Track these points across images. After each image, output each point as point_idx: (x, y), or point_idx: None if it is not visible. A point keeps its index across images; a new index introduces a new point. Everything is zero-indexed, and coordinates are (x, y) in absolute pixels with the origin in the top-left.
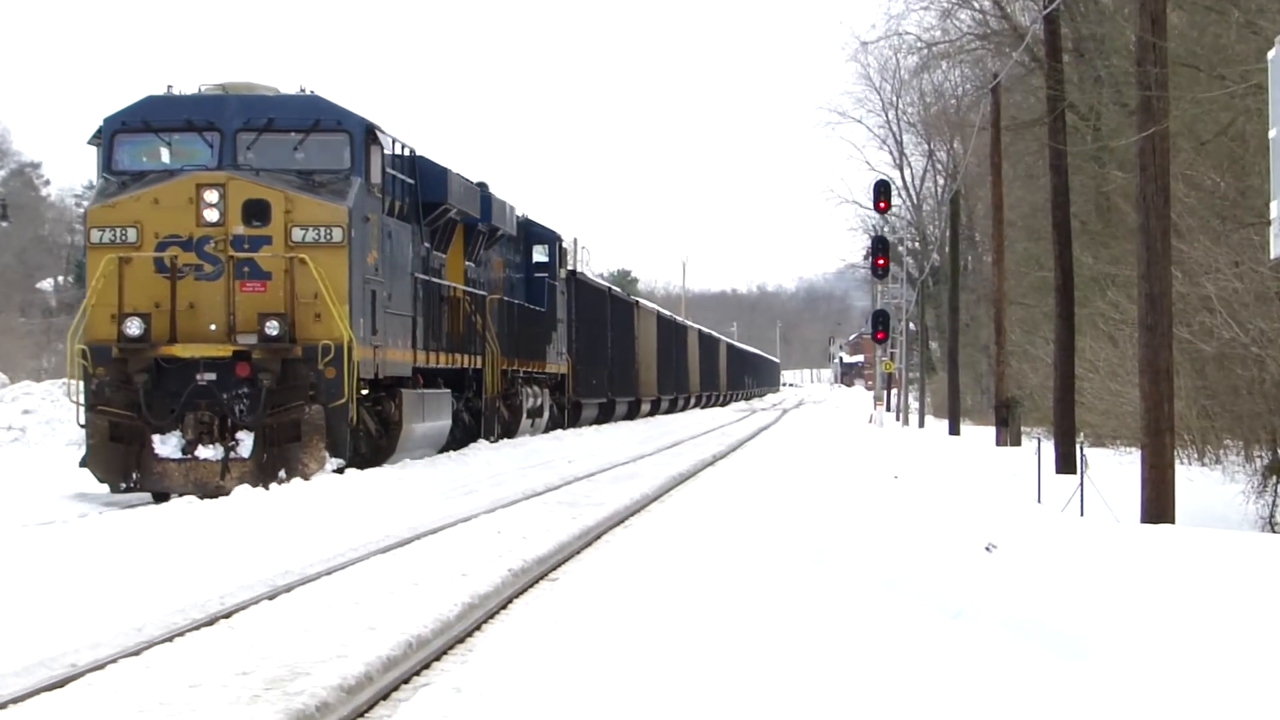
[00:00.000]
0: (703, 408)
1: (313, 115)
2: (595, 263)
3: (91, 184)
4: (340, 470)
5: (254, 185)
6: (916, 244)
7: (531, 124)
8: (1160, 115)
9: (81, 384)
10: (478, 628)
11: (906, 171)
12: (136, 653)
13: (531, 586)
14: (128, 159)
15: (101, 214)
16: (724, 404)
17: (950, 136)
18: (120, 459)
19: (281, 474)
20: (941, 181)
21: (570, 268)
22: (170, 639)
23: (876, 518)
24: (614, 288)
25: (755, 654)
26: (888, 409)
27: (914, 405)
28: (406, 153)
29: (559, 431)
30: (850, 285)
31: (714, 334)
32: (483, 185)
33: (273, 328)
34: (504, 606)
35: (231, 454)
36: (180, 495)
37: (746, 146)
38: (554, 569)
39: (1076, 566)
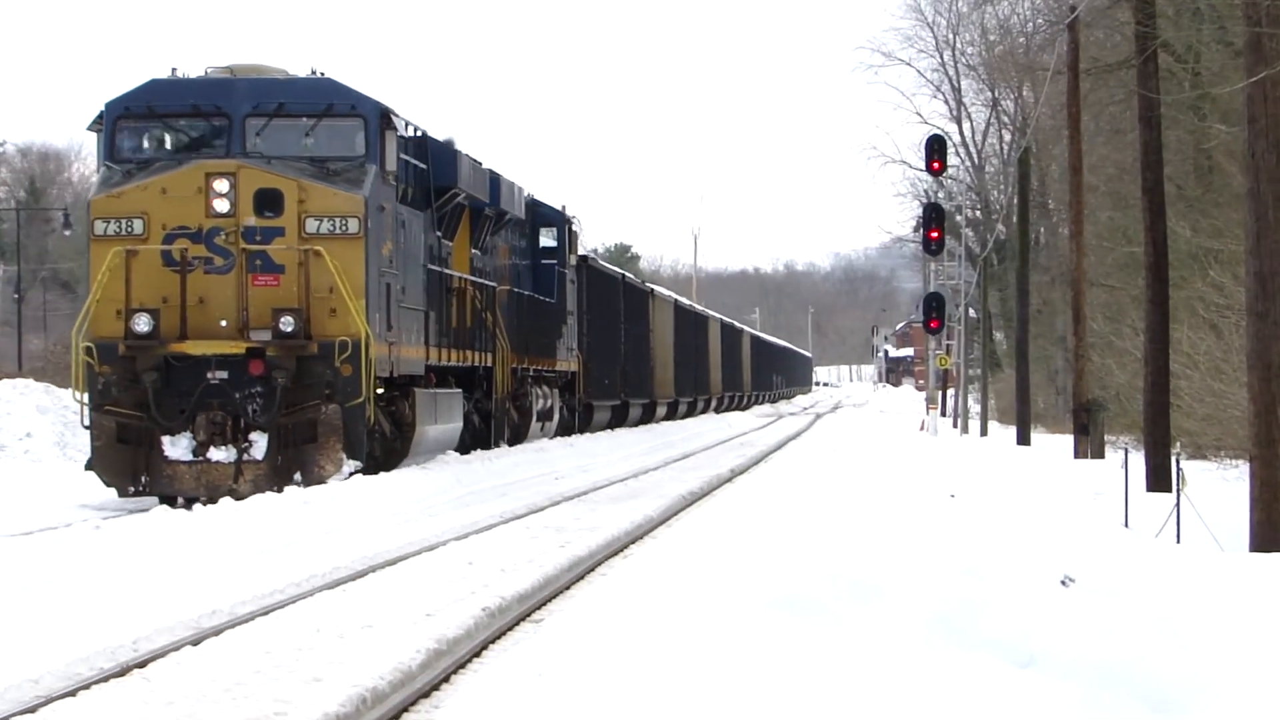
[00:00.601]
0: (722, 411)
1: (325, 99)
2: (586, 238)
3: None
4: (358, 473)
5: (266, 174)
6: (977, 213)
7: (504, 70)
8: (1273, 56)
9: (85, 383)
10: (446, 679)
11: (965, 125)
12: (33, 709)
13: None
14: (131, 146)
15: (106, 204)
16: (746, 407)
17: (1018, 82)
18: (128, 461)
19: (297, 476)
20: (1008, 137)
21: (580, 253)
22: (73, 692)
23: (929, 545)
24: (627, 274)
25: (782, 717)
26: (943, 414)
27: (974, 409)
28: (418, 135)
29: (570, 437)
30: (897, 263)
31: (737, 324)
32: (477, 164)
33: (287, 323)
34: (495, 642)
35: (245, 456)
36: (191, 499)
37: (769, 96)
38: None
39: (1172, 604)
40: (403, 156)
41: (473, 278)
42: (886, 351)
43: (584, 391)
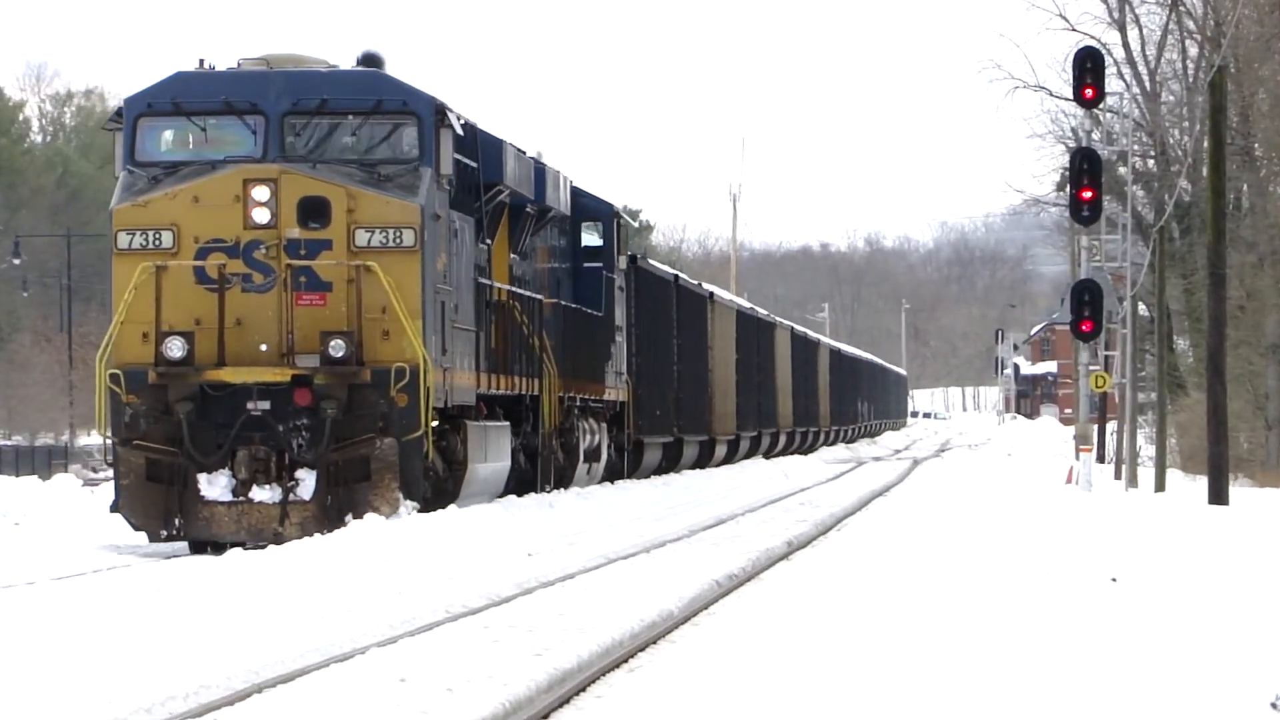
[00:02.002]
0: (794, 451)
1: (373, 94)
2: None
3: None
4: (416, 513)
5: (310, 180)
6: (1150, 163)
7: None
8: None
9: (110, 416)
10: None
11: (1132, 32)
12: None
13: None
14: (156, 148)
15: (131, 214)
16: (815, 445)
17: None
18: (160, 502)
19: (349, 518)
20: (1194, 51)
21: (630, 253)
22: None
23: (1077, 677)
24: (681, 275)
25: None
26: (1099, 458)
27: (1145, 451)
28: (468, 128)
29: (622, 483)
30: (1032, 237)
31: (811, 334)
32: (512, 151)
33: (337, 348)
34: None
35: (290, 496)
36: (231, 544)
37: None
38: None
39: None
40: (455, 156)
41: (516, 289)
42: (1016, 367)
43: (634, 425)
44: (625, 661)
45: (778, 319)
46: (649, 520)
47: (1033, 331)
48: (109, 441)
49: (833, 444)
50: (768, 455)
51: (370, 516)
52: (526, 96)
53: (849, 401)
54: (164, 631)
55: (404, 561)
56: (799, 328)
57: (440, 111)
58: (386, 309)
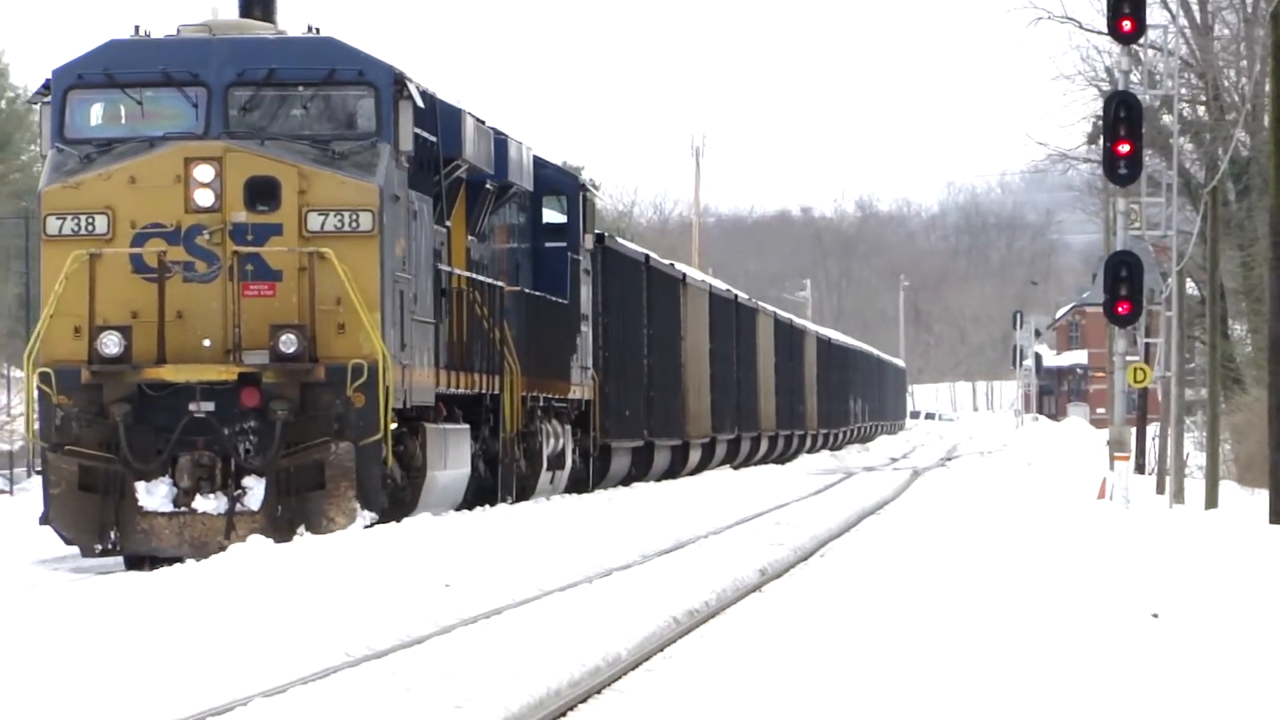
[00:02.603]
0: (767, 460)
1: (326, 63)
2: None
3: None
4: (375, 525)
5: (258, 158)
6: (1200, 110)
7: None
8: None
9: (38, 418)
10: None
11: None
12: None
13: None
14: (87, 124)
15: (61, 197)
16: (799, 451)
17: None
18: (94, 513)
19: (301, 530)
20: None
21: (598, 231)
22: None
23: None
24: (652, 255)
25: None
26: (1138, 468)
27: (1193, 459)
28: (428, 98)
29: (587, 497)
30: (1057, 200)
31: (797, 321)
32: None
33: (288, 343)
34: None
35: (238, 506)
36: (173, 558)
37: None
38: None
39: None
40: (416, 130)
41: (476, 276)
42: (1038, 358)
43: (601, 427)
44: (564, 715)
45: (760, 304)
46: (618, 537)
47: (1058, 315)
48: (38, 446)
49: (819, 450)
50: (746, 462)
51: (324, 528)
52: (443, 30)
53: (839, 400)
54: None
55: (353, 582)
56: (783, 314)
57: (399, 82)
58: (342, 300)
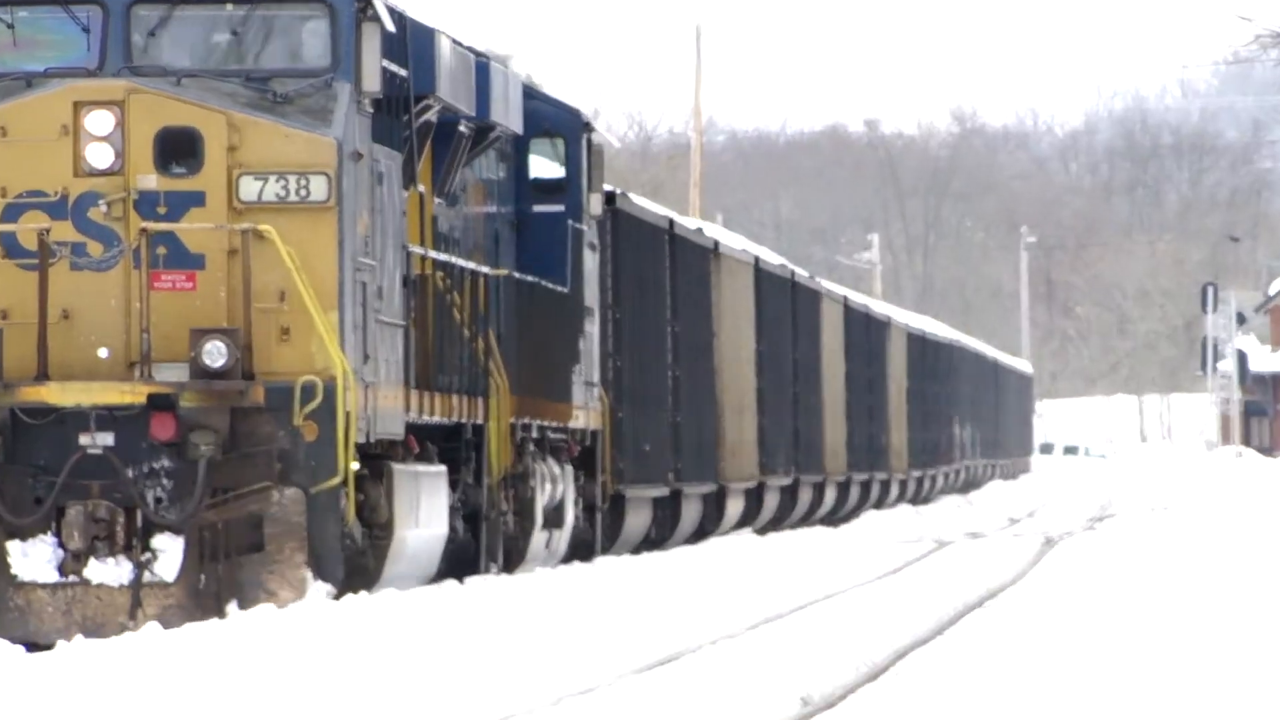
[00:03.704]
0: (835, 515)
1: None
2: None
3: None
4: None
5: (173, 102)
6: None
7: None
8: None
9: None
10: None
11: None
12: None
13: None
14: None
15: None
16: (881, 502)
17: None
18: None
19: (232, 606)
20: None
21: (606, 188)
22: None
23: None
24: (676, 219)
25: None
26: None
27: None
28: (398, 20)
29: (595, 568)
30: (1268, 106)
31: (873, 305)
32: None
33: (215, 354)
34: None
35: (146, 574)
36: (57, 642)
37: None
38: None
39: None
40: (384, 64)
41: (452, 259)
42: (1243, 356)
43: (612, 468)
44: None
45: (823, 284)
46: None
47: (1273, 291)
48: None
49: (905, 501)
50: (806, 519)
51: (264, 605)
52: None
53: (937, 426)
54: None
55: (303, 690)
56: (855, 297)
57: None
58: (287, 295)
